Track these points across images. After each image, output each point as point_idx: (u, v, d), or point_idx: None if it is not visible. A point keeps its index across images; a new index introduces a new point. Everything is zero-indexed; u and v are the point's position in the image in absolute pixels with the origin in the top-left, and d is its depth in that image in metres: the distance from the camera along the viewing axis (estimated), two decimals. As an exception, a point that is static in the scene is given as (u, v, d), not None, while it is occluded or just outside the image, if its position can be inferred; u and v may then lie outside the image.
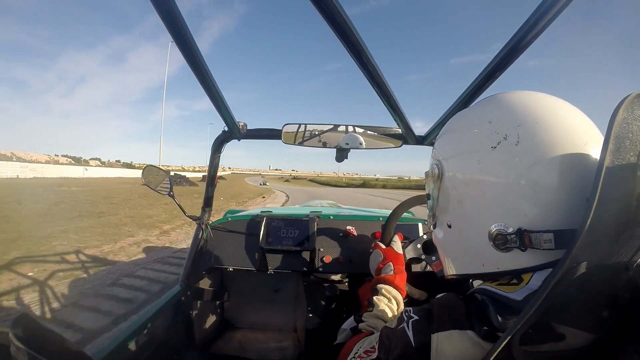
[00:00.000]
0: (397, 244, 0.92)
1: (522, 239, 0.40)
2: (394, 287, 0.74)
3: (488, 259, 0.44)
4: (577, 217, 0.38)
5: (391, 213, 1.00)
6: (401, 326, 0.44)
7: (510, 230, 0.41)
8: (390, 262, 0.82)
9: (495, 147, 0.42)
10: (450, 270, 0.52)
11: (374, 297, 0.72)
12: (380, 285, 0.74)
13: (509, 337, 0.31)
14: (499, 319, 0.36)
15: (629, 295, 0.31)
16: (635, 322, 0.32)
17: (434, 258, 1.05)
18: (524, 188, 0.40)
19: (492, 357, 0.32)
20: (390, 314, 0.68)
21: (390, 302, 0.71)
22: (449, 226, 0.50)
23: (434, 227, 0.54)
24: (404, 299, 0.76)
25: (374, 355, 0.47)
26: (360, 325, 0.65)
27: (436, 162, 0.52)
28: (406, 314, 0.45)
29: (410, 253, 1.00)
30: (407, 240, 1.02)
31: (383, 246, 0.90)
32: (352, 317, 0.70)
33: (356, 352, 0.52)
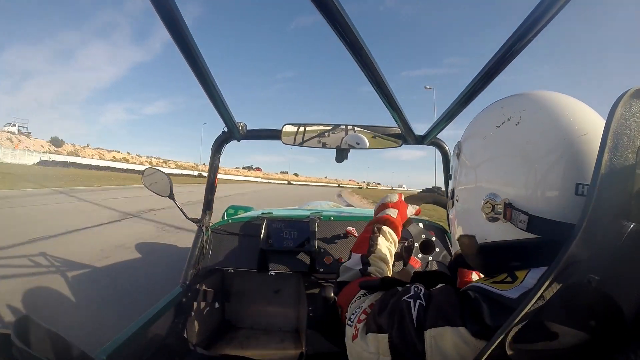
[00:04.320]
0: (411, 209, 0.93)
1: (505, 211, 0.43)
2: (395, 232, 0.78)
3: (480, 229, 0.48)
4: (561, 207, 0.39)
5: (433, 192, 0.99)
6: (408, 299, 0.43)
7: (499, 200, 0.44)
8: (398, 210, 0.84)
9: (499, 126, 0.47)
10: (454, 247, 0.55)
11: (377, 238, 0.74)
12: (384, 228, 0.77)
13: (502, 336, 0.31)
14: (492, 317, 0.36)
15: (595, 304, 0.31)
16: (626, 326, 0.32)
17: (420, 255, 1.05)
18: (515, 162, 0.43)
19: (485, 355, 0.32)
20: (390, 256, 0.73)
21: (390, 244, 0.75)
22: (457, 200, 0.54)
23: (452, 205, 0.58)
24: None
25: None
26: (370, 269, 0.67)
27: (458, 143, 0.57)
28: (416, 289, 0.45)
29: (412, 229, 1.00)
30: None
31: (402, 199, 0.91)
32: (360, 256, 0.70)
33: (359, 300, 0.52)
